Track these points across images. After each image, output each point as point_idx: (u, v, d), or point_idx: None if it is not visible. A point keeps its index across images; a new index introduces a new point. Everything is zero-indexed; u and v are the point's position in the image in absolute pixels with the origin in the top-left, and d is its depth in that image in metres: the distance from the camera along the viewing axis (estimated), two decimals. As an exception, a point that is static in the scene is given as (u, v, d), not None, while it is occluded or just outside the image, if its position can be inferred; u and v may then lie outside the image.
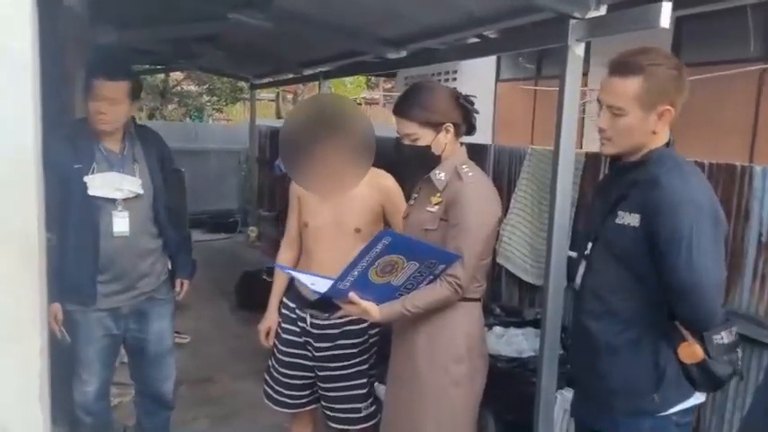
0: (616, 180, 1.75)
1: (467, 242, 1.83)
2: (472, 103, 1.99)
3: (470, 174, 1.93)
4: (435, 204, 1.93)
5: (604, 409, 1.74)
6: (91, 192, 2.36)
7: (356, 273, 1.73)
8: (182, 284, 2.70)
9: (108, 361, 2.59)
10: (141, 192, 2.43)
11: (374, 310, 1.81)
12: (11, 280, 1.28)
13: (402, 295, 1.85)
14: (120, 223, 2.42)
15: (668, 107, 1.62)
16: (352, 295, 1.78)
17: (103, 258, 2.42)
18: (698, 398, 1.69)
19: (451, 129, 1.94)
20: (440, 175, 1.95)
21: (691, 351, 1.62)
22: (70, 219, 2.38)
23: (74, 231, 2.38)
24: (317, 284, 1.87)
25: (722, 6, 5.14)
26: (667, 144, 1.69)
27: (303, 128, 2.08)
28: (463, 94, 1.99)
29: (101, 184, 2.38)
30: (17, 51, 1.26)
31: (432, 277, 1.84)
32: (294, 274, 2.08)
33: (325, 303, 1.89)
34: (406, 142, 1.97)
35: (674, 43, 5.88)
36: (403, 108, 1.95)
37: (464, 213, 1.85)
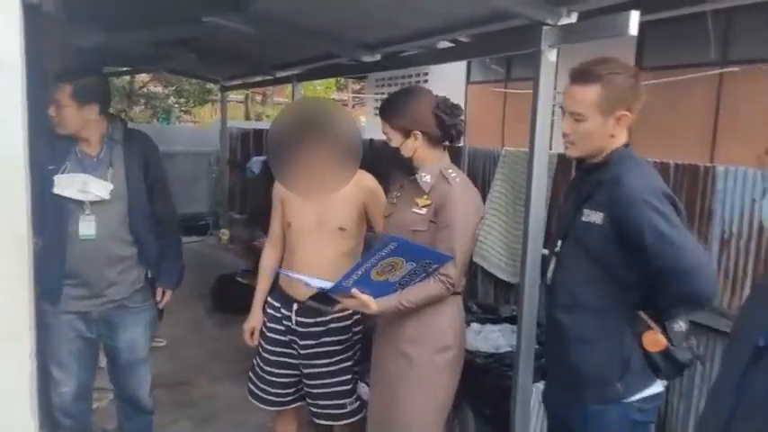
0: (583, 180, 1.86)
1: (457, 243, 1.93)
2: (452, 114, 2.04)
3: (457, 178, 2.02)
4: (424, 207, 2.01)
5: (574, 397, 1.84)
6: (56, 190, 2.36)
7: (360, 272, 1.83)
8: (163, 293, 2.66)
9: (85, 364, 2.57)
10: (108, 197, 2.39)
11: (372, 303, 1.90)
12: (10, 280, 1.30)
13: (397, 290, 1.94)
14: (87, 226, 2.40)
15: (625, 112, 1.74)
16: (355, 291, 1.88)
17: (70, 261, 2.41)
18: (658, 386, 1.79)
19: (419, 136, 2.02)
20: (425, 177, 2.03)
21: (655, 339, 1.72)
22: (41, 219, 2.36)
23: (44, 231, 2.37)
24: (316, 283, 1.94)
25: (683, 12, 5.33)
26: (626, 145, 1.80)
27: (291, 130, 2.11)
28: (449, 103, 2.06)
29: (66, 184, 2.37)
30: (8, 54, 1.28)
31: (425, 275, 1.93)
32: (295, 276, 2.12)
33: (325, 297, 1.96)
34: (386, 140, 2.08)
35: (638, 48, 6.06)
36: (382, 109, 2.08)
37: (455, 216, 1.94)
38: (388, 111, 2.06)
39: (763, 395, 1.00)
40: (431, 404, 2.06)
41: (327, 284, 1.91)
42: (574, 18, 2.33)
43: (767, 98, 5.18)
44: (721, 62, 5.48)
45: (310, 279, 1.97)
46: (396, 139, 2.04)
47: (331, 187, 2.18)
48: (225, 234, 8.02)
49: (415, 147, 2.03)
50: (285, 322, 2.38)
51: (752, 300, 1.26)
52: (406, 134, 2.03)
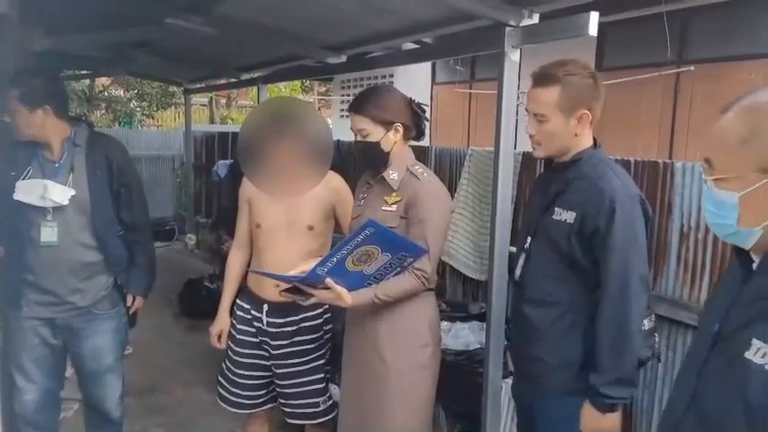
0: (553, 178, 1.90)
1: (431, 237, 1.94)
2: (423, 111, 2.09)
3: (425, 173, 2.04)
4: (393, 203, 2.01)
5: (539, 390, 1.90)
6: (16, 196, 2.33)
7: (335, 259, 1.80)
8: (133, 299, 2.62)
9: (49, 371, 2.51)
10: (66, 203, 2.35)
11: (347, 296, 1.88)
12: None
13: (371, 284, 1.93)
14: (48, 233, 2.36)
15: (586, 111, 1.79)
16: (329, 280, 1.84)
17: (32, 268, 2.38)
18: None
19: (401, 129, 2.04)
20: (393, 175, 2.03)
21: None
22: (2, 225, 2.36)
23: (4, 237, 2.36)
24: (290, 276, 1.92)
25: (641, 13, 5.47)
26: (595, 145, 1.86)
27: (263, 130, 2.10)
28: (416, 101, 2.09)
29: (27, 190, 2.34)
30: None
31: (399, 269, 1.93)
32: (269, 274, 2.09)
33: (299, 290, 1.93)
34: (359, 138, 2.06)
35: (598, 48, 6.19)
36: (358, 105, 2.05)
37: (427, 211, 1.95)
38: (367, 104, 2.03)
39: (716, 377, 1.05)
40: (414, 405, 2.04)
41: (301, 275, 1.88)
42: (536, 19, 2.38)
43: (721, 96, 5.34)
44: (678, 62, 5.64)
45: (283, 275, 1.94)
46: (376, 133, 2.02)
47: (303, 187, 2.18)
48: (191, 239, 7.92)
49: (395, 140, 2.04)
50: (256, 323, 2.36)
51: (716, 288, 1.31)
52: (387, 127, 2.02)
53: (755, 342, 0.95)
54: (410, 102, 2.08)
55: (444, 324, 3.22)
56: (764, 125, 0.98)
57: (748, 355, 0.96)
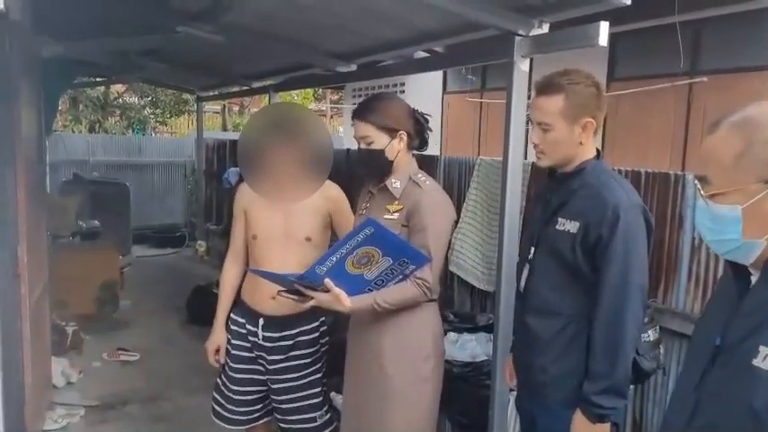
0: (556, 189, 1.89)
1: (432, 246, 1.91)
2: (427, 121, 2.08)
3: (427, 182, 2.01)
4: (395, 212, 1.98)
5: (541, 400, 1.88)
6: None
7: (335, 259, 1.76)
8: None
9: None
10: None
11: (346, 300, 1.83)
12: None
13: (372, 290, 1.89)
14: None
15: (590, 120, 1.79)
16: (328, 281, 1.80)
17: None
18: None
19: (404, 137, 2.01)
20: (395, 183, 2.01)
21: None
22: None
23: None
24: (288, 275, 1.88)
25: (653, 24, 5.43)
26: (598, 156, 1.85)
27: (262, 135, 2.09)
28: (419, 111, 2.08)
29: None
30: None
31: (401, 277, 1.89)
32: (270, 272, 2.04)
33: (296, 291, 1.89)
34: (362, 145, 2.03)
35: (610, 59, 6.16)
36: (362, 112, 2.02)
37: (429, 219, 1.92)
38: (371, 111, 2.00)
39: (719, 389, 1.04)
40: (415, 417, 2.01)
41: (299, 273, 1.84)
42: (546, 29, 2.37)
43: (734, 107, 5.28)
44: (691, 72, 5.59)
45: (281, 274, 1.91)
46: (381, 140, 1.99)
47: (302, 193, 2.16)
48: (201, 246, 7.94)
49: (399, 148, 2.01)
50: (251, 338, 2.32)
51: (710, 304, 1.31)
52: (392, 134, 2.00)
53: (762, 349, 0.96)
54: (413, 111, 2.06)
55: (452, 335, 3.20)
56: (757, 137, 1.00)
57: (756, 362, 0.97)
